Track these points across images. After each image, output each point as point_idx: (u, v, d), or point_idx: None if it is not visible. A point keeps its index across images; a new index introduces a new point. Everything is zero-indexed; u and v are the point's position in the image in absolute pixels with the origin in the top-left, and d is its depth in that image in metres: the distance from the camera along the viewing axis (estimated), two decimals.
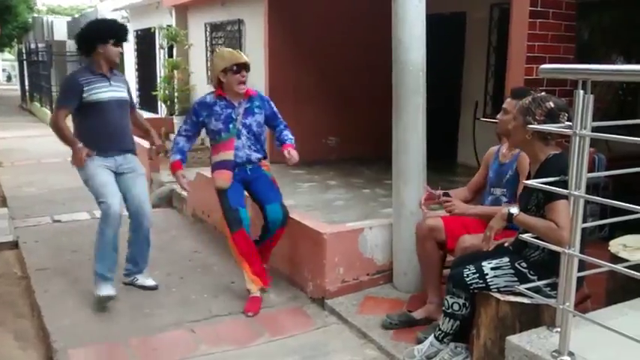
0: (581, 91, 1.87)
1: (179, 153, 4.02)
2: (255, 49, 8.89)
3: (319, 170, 7.51)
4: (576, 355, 1.92)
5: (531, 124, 2.55)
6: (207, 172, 6.14)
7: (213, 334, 3.57)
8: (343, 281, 3.78)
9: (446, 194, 3.29)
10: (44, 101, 17.29)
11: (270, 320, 3.73)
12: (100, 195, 3.88)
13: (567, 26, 4.49)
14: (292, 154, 3.92)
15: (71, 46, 23.88)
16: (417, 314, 3.50)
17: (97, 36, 3.97)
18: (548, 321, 2.29)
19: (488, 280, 2.73)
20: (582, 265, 2.12)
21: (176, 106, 11.60)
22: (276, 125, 4.11)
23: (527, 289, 2.46)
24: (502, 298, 2.66)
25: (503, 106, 3.27)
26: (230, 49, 4.03)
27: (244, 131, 3.93)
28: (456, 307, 2.84)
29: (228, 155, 3.92)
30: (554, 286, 2.53)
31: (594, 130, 1.90)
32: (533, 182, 2.36)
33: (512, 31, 4.45)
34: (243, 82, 3.86)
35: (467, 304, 2.83)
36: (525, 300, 2.57)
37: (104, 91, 3.98)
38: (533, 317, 2.53)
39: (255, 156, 3.99)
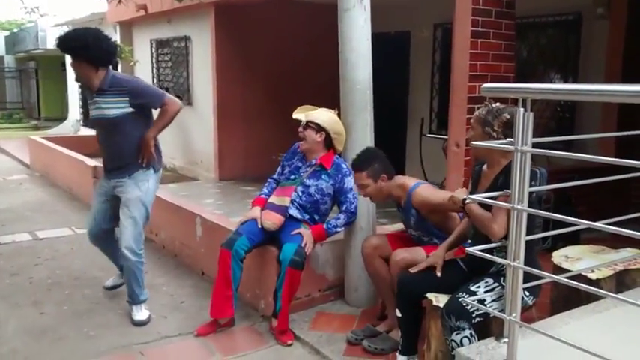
0: (522, 109, 1.94)
1: (265, 189, 4.09)
2: (202, 66, 8.85)
3: None
4: None
5: (490, 134, 2.62)
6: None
7: (162, 356, 3.49)
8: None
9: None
10: None
11: (222, 339, 3.68)
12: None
13: (507, 46, 4.67)
14: (304, 234, 3.67)
15: (9, 61, 23.13)
16: (381, 327, 3.52)
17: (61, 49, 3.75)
18: (496, 332, 2.34)
19: (488, 306, 2.54)
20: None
21: None
22: (339, 204, 3.86)
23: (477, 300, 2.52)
24: None
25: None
26: (305, 106, 4.04)
27: (300, 189, 3.84)
28: (466, 341, 2.49)
29: (284, 201, 3.82)
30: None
31: (534, 146, 1.97)
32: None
33: (455, 51, 4.59)
34: (302, 139, 3.88)
35: (473, 334, 2.54)
36: None
37: (92, 109, 3.89)
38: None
39: (296, 214, 3.81)
